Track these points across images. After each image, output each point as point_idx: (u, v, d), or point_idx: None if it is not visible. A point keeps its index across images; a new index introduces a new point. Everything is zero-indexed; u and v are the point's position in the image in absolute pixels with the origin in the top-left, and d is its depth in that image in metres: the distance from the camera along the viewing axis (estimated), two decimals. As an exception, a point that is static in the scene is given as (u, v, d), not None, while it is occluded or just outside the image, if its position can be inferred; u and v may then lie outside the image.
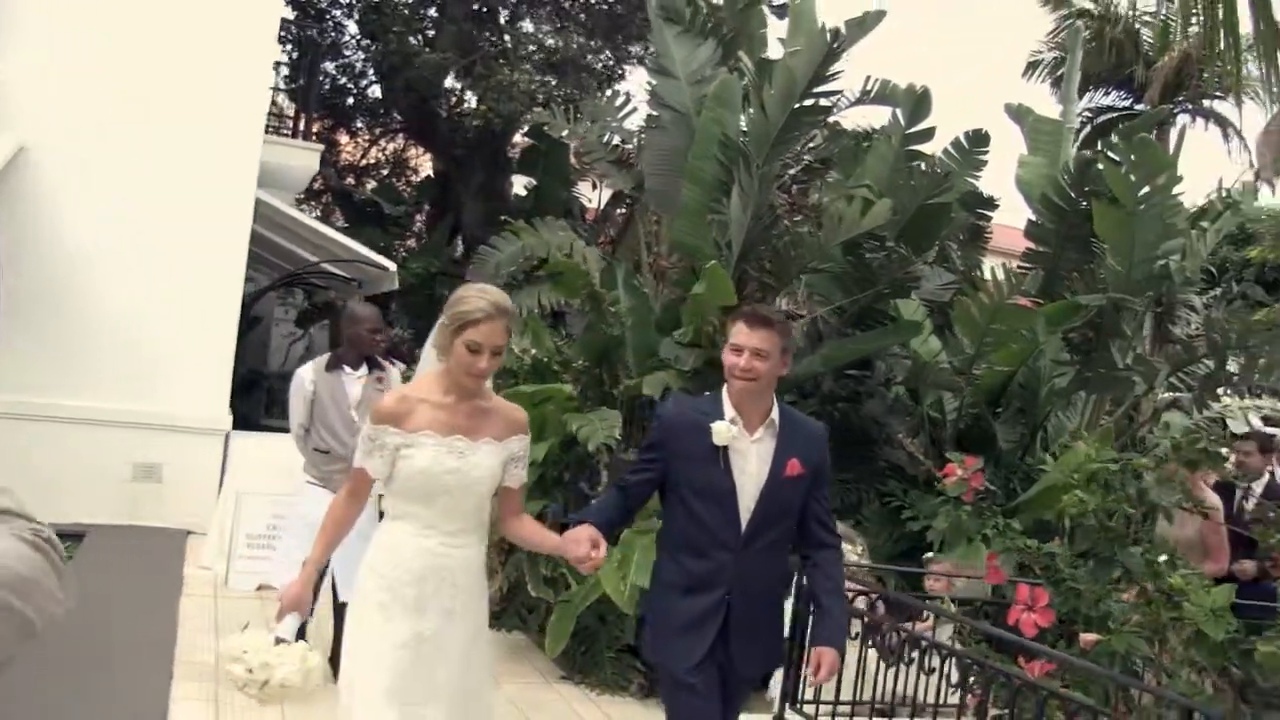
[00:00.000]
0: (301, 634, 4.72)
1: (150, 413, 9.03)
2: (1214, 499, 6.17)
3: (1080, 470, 3.89)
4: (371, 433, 3.23)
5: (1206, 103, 19.42)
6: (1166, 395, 8.69)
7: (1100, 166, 8.14)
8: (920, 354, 8.18)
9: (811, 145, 8.57)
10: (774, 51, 8.40)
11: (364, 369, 5.19)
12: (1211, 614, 3.30)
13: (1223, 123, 20.08)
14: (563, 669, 6.28)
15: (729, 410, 3.28)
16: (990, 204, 9.05)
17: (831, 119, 8.67)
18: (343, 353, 5.21)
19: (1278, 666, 3.15)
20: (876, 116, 10.01)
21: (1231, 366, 8.22)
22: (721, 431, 3.22)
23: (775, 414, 3.33)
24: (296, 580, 3.26)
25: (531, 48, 14.56)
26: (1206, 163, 37.09)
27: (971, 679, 3.88)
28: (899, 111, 8.11)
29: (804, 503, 3.34)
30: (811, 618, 3.39)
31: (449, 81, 15.10)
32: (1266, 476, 6.79)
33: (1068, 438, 8.19)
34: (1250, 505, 6.52)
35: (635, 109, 12.29)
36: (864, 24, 7.80)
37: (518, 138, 15.45)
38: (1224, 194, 9.03)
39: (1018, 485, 7.74)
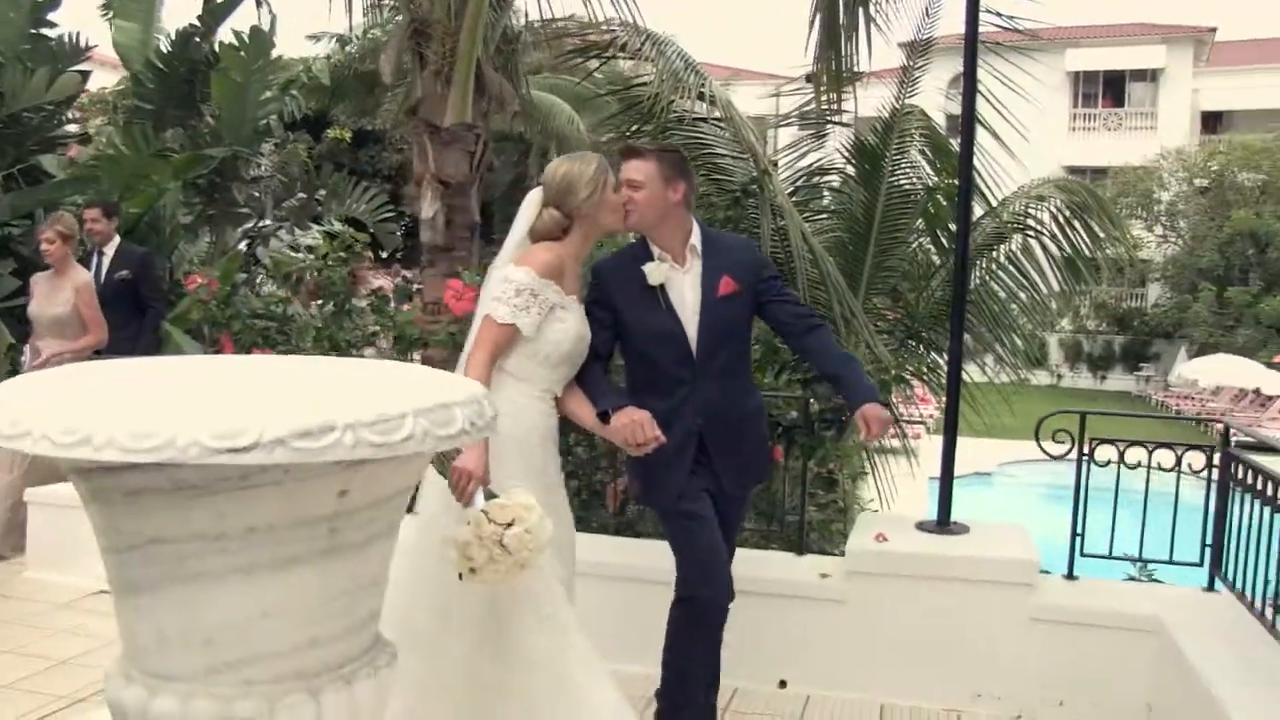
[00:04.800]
0: None
1: None
2: (85, 276, 6.17)
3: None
4: (532, 284, 2.95)
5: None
6: (271, 223, 11.16)
7: (199, 40, 10.14)
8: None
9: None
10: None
11: None
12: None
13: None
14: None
15: (655, 249, 3.29)
16: (82, 54, 9.77)
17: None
18: None
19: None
20: None
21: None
22: (654, 271, 3.24)
23: (696, 239, 3.32)
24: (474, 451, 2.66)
25: None
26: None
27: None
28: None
29: (768, 313, 3.39)
30: (837, 386, 3.44)
31: None
32: (116, 239, 6.84)
33: (191, 264, 10.32)
34: (105, 271, 6.62)
35: None
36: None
37: None
38: (307, 67, 11.54)
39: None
